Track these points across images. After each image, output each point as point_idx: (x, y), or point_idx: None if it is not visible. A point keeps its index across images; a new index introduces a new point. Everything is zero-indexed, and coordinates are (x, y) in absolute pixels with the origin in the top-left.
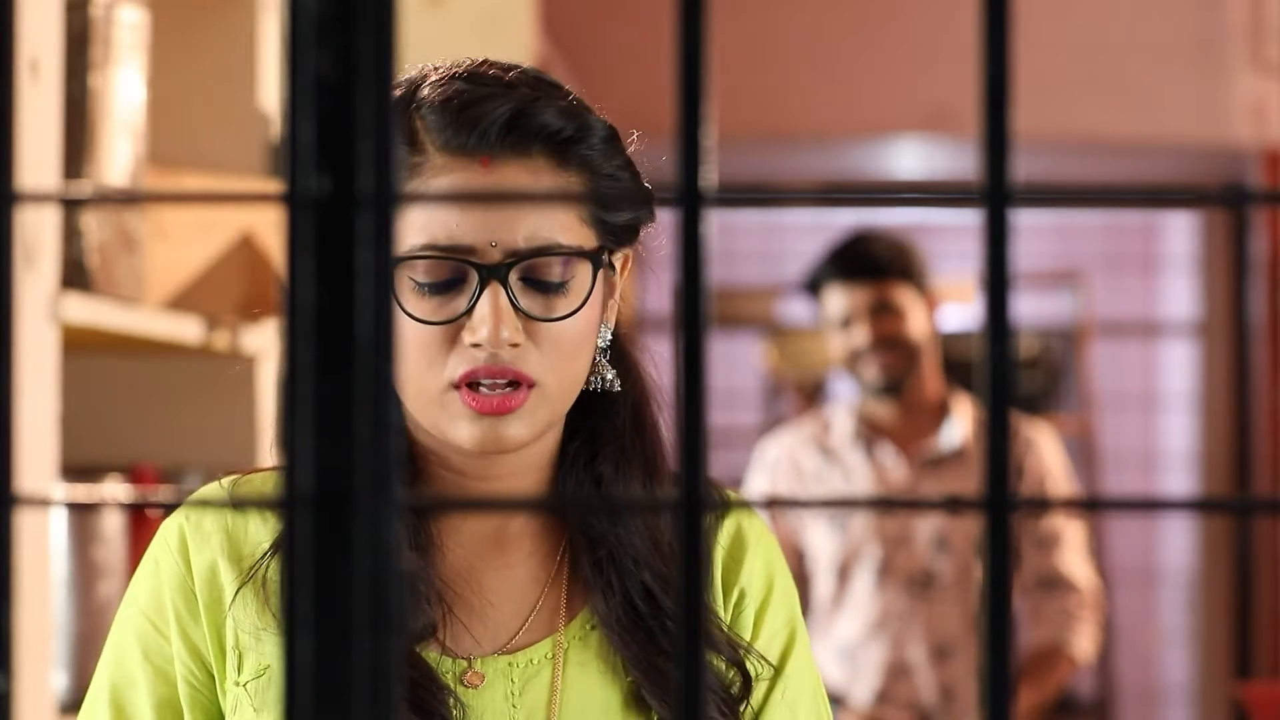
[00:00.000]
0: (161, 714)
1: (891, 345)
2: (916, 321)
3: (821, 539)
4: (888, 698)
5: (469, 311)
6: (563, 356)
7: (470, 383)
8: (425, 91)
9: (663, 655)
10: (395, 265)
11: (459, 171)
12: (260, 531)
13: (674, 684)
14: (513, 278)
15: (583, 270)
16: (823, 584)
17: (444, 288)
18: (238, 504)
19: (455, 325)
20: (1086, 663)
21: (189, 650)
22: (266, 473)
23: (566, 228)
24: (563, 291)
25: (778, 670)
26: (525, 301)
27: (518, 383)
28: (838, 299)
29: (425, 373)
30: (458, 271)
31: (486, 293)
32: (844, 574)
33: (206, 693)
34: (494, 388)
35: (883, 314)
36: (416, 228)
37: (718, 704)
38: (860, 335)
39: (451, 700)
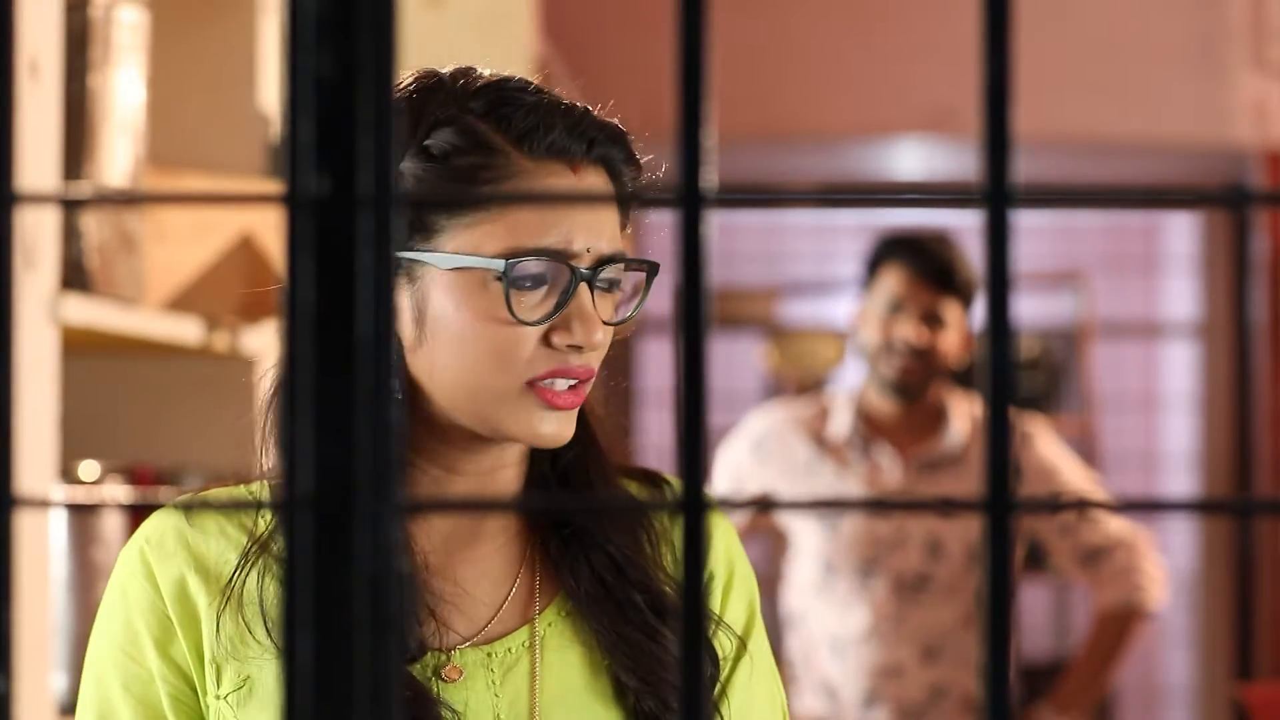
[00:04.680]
0: None
1: (921, 356)
2: (950, 340)
3: (807, 528)
4: (877, 697)
5: (558, 312)
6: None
7: (544, 380)
8: (485, 95)
9: (631, 626)
10: (459, 268)
11: (545, 176)
12: (223, 544)
13: (675, 663)
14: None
15: (633, 277)
16: (806, 570)
17: (534, 285)
18: (233, 508)
19: (537, 325)
20: (1159, 607)
21: (170, 668)
22: (229, 488)
23: (623, 236)
24: (620, 296)
25: (738, 652)
26: (600, 304)
27: (580, 380)
28: (898, 285)
29: (497, 371)
30: (545, 273)
31: (583, 295)
32: (831, 569)
33: (192, 705)
34: (566, 385)
35: (929, 323)
36: (504, 229)
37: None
38: (902, 331)
39: (446, 713)
